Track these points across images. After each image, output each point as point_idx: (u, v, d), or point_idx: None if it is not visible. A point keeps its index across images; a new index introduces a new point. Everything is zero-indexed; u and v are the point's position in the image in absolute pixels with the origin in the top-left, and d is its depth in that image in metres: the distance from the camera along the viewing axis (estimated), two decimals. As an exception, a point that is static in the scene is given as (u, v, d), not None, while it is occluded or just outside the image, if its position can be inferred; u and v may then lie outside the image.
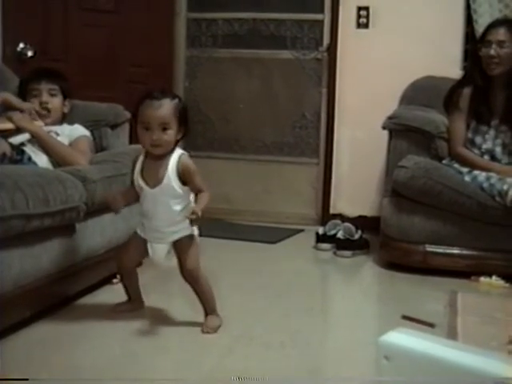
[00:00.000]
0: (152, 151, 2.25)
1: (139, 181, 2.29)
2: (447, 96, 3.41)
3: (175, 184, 2.23)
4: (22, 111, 2.82)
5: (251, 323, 2.43)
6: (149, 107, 2.21)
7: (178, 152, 2.27)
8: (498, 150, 3.30)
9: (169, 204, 2.25)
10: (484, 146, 3.32)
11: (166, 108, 2.21)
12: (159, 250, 2.34)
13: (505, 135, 3.30)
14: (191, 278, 2.32)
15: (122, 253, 2.43)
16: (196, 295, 2.35)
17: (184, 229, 2.29)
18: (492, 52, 3.24)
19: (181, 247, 2.30)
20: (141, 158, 2.31)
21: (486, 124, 3.32)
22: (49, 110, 2.95)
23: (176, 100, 2.26)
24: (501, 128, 3.31)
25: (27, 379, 1.78)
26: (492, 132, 3.32)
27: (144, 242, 2.36)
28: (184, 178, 2.24)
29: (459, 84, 3.40)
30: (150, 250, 2.35)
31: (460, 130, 3.34)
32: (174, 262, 2.34)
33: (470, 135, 3.34)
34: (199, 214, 2.15)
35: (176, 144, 2.28)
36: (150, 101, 2.21)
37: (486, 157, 3.31)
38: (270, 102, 4.58)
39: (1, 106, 2.81)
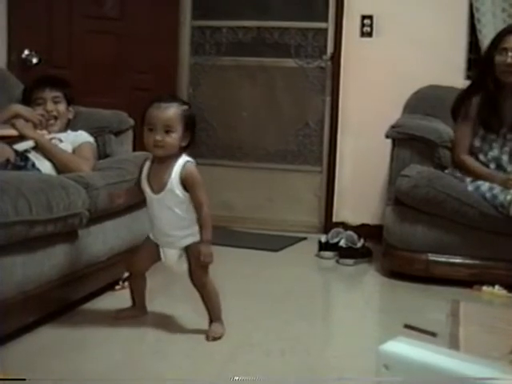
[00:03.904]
0: (154, 152, 2.25)
1: (145, 186, 2.30)
2: (456, 105, 3.38)
3: (178, 190, 2.23)
4: (27, 120, 2.83)
5: (252, 330, 2.43)
6: (155, 108, 2.22)
7: (185, 159, 2.27)
8: (505, 158, 3.28)
9: (173, 209, 2.25)
10: (491, 154, 3.31)
11: (171, 111, 2.22)
12: (170, 255, 2.34)
13: None
14: (200, 284, 2.32)
15: (133, 256, 2.44)
16: (202, 301, 2.35)
17: (194, 234, 2.29)
18: (509, 60, 3.22)
19: (191, 253, 2.30)
20: (147, 164, 2.32)
21: (494, 133, 3.30)
22: (55, 118, 2.98)
23: (185, 106, 2.27)
24: (508, 136, 3.29)
25: (24, 379, 1.77)
26: (500, 140, 3.30)
27: (156, 246, 2.36)
28: (186, 185, 2.24)
29: (468, 92, 3.37)
30: (162, 255, 2.36)
31: (466, 137, 3.32)
32: (186, 267, 2.34)
33: (477, 143, 3.32)
34: (209, 254, 2.23)
35: (183, 151, 2.28)
36: (158, 103, 2.23)
37: (492, 165, 3.29)
38: (273, 110, 4.59)
39: (12, 117, 2.82)
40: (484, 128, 3.30)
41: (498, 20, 3.99)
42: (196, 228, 2.28)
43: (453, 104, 3.40)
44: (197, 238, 2.29)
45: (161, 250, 2.36)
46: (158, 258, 2.38)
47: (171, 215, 2.26)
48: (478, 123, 3.30)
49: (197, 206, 2.25)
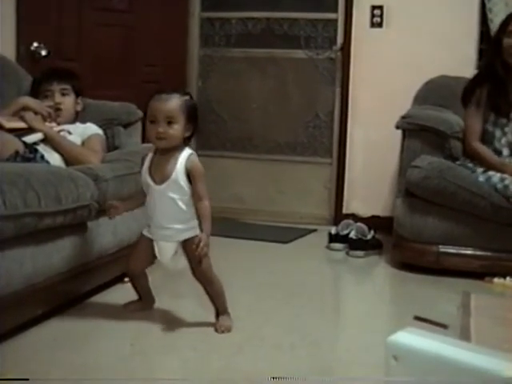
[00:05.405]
0: (156, 144, 2.25)
1: (147, 178, 2.29)
2: (468, 91, 3.35)
3: (182, 181, 2.23)
4: (36, 112, 2.84)
5: (262, 323, 2.43)
6: (156, 100, 2.23)
7: (188, 151, 2.27)
8: None
9: (175, 201, 2.24)
10: (504, 139, 3.29)
11: (173, 102, 2.22)
12: (166, 250, 2.31)
13: None
14: (204, 278, 2.31)
15: (130, 256, 2.43)
16: (207, 295, 2.34)
17: (192, 228, 2.28)
18: None
19: (191, 248, 2.27)
20: (149, 156, 2.31)
21: (505, 117, 3.28)
22: (61, 110, 2.98)
23: (186, 97, 2.27)
24: None
25: (27, 379, 1.76)
26: (511, 124, 3.28)
27: (152, 243, 2.34)
28: (191, 176, 2.23)
29: (478, 80, 3.35)
30: (156, 250, 2.33)
31: (477, 125, 3.30)
32: (182, 264, 2.33)
33: (489, 128, 3.30)
34: (208, 245, 2.19)
35: (186, 143, 2.28)
36: (159, 95, 2.23)
37: (506, 150, 3.27)
38: (283, 102, 4.57)
39: (20, 110, 2.82)
40: (494, 113, 3.28)
41: (511, 9, 3.94)
42: (195, 222, 2.27)
43: (463, 91, 3.37)
44: (195, 232, 2.27)
45: (155, 244, 2.33)
46: (155, 257, 2.36)
47: (172, 207, 2.25)
48: (488, 108, 3.28)
49: (197, 199, 2.24)
